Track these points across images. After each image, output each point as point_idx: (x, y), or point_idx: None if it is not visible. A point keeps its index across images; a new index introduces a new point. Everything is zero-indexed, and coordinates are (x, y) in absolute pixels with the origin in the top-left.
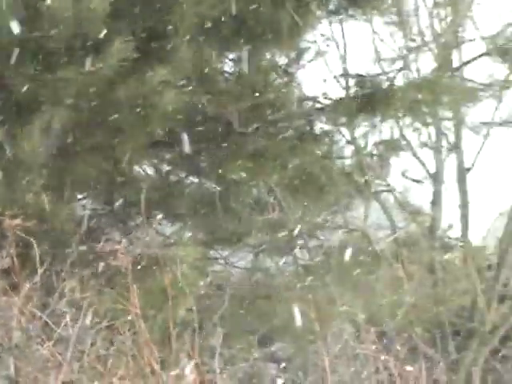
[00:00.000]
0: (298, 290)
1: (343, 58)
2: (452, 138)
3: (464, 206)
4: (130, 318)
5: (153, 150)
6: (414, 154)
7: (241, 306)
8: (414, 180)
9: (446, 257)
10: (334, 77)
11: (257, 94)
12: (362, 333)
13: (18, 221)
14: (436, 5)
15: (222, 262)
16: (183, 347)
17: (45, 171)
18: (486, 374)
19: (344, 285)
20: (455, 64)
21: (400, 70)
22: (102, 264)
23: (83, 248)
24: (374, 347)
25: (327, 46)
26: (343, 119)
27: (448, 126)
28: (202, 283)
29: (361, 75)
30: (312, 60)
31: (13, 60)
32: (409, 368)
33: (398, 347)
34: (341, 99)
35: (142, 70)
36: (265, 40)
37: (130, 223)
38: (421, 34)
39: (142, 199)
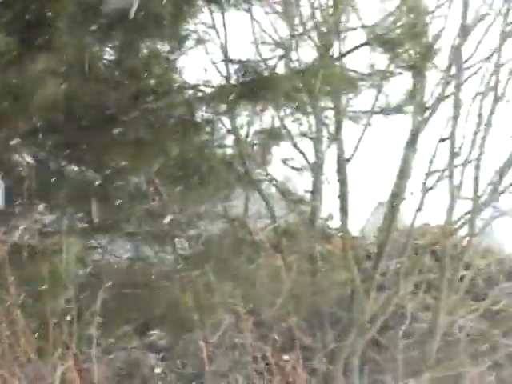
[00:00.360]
0: (178, 280)
1: (224, 47)
2: (332, 128)
3: (343, 196)
4: (6, 306)
5: (32, 138)
6: (295, 144)
7: (119, 294)
8: (293, 168)
9: (326, 247)
10: (213, 63)
11: (137, 82)
12: (240, 322)
13: None
14: None
15: (100, 250)
16: (61, 336)
17: None
18: (365, 363)
19: (223, 274)
20: (336, 53)
21: (281, 57)
22: None
23: None
24: (252, 336)
25: (209, 34)
26: (224, 107)
27: (328, 115)
28: (81, 272)
29: (242, 61)
30: (192, 47)
31: None
32: (286, 357)
33: (276, 337)
34: (222, 87)
35: (22, 57)
36: (146, 27)
37: (8, 212)
38: (302, 23)
39: (24, 187)
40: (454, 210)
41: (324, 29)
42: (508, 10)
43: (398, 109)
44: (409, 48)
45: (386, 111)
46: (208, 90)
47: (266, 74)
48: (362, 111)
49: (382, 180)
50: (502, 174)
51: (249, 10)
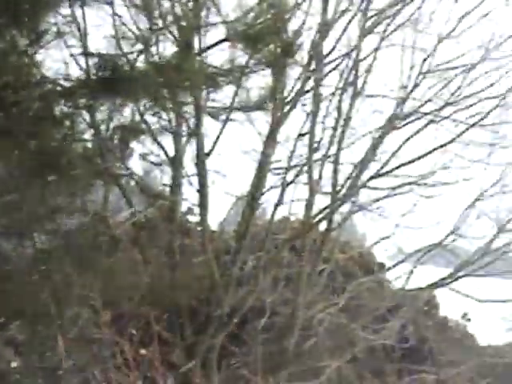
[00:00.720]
0: (36, 273)
1: (84, 40)
2: (192, 123)
3: (202, 190)
4: None
5: None
6: (155, 139)
7: None
8: (152, 163)
9: (185, 241)
10: (71, 55)
11: None
12: (98, 316)
13: None
14: None
15: None
16: None
17: None
18: (223, 357)
19: (82, 268)
20: (196, 48)
21: (141, 52)
22: None
23: None
24: (110, 331)
25: (69, 27)
26: (84, 101)
27: (188, 110)
28: None
29: (101, 55)
30: (52, 40)
31: None
32: (144, 352)
33: (134, 331)
34: (81, 81)
35: None
36: (4, 21)
37: None
38: (162, 17)
39: None
40: (314, 204)
41: (184, 23)
42: (367, 6)
43: (259, 105)
44: (269, 44)
45: (245, 108)
46: (67, 84)
47: (125, 68)
48: (222, 107)
49: (242, 174)
50: (360, 168)
51: (110, 3)
